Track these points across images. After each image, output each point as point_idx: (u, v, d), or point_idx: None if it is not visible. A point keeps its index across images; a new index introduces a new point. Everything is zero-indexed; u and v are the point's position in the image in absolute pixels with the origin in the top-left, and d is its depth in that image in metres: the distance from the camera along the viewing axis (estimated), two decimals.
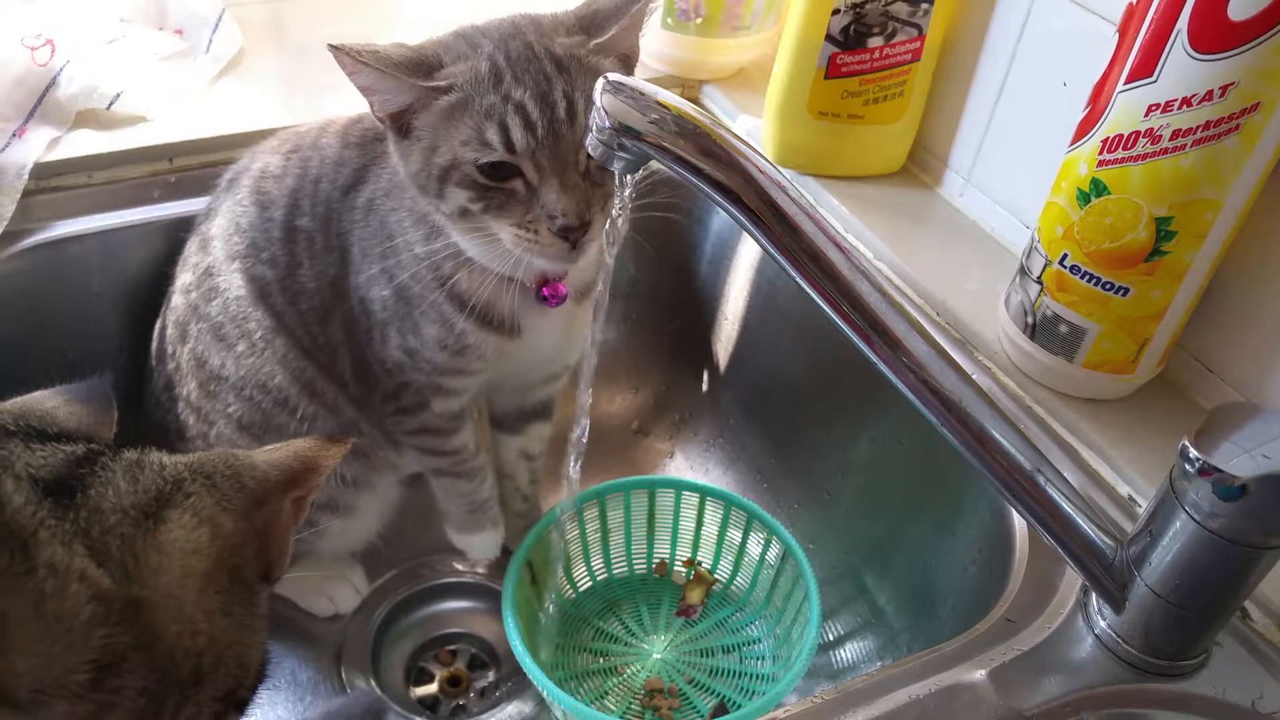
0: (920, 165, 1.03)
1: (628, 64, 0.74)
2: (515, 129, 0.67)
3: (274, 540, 0.50)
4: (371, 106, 0.71)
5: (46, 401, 0.53)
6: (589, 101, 0.67)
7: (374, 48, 0.67)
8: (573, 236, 0.69)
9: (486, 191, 0.69)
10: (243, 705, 0.49)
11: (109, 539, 0.42)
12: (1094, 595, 0.66)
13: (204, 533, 0.45)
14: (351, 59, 0.66)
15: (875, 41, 0.93)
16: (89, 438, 0.50)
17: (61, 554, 0.40)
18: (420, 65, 0.69)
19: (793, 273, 0.57)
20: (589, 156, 0.66)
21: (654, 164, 0.60)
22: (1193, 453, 0.55)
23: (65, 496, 0.43)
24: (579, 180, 0.69)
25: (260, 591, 0.49)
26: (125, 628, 0.41)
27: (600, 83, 0.58)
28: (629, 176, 0.65)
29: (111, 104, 0.97)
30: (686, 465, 1.13)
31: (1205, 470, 0.54)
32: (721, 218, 1.08)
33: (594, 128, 0.58)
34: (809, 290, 0.58)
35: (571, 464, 0.83)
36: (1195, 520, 0.57)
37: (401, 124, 0.71)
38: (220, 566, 0.46)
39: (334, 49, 0.66)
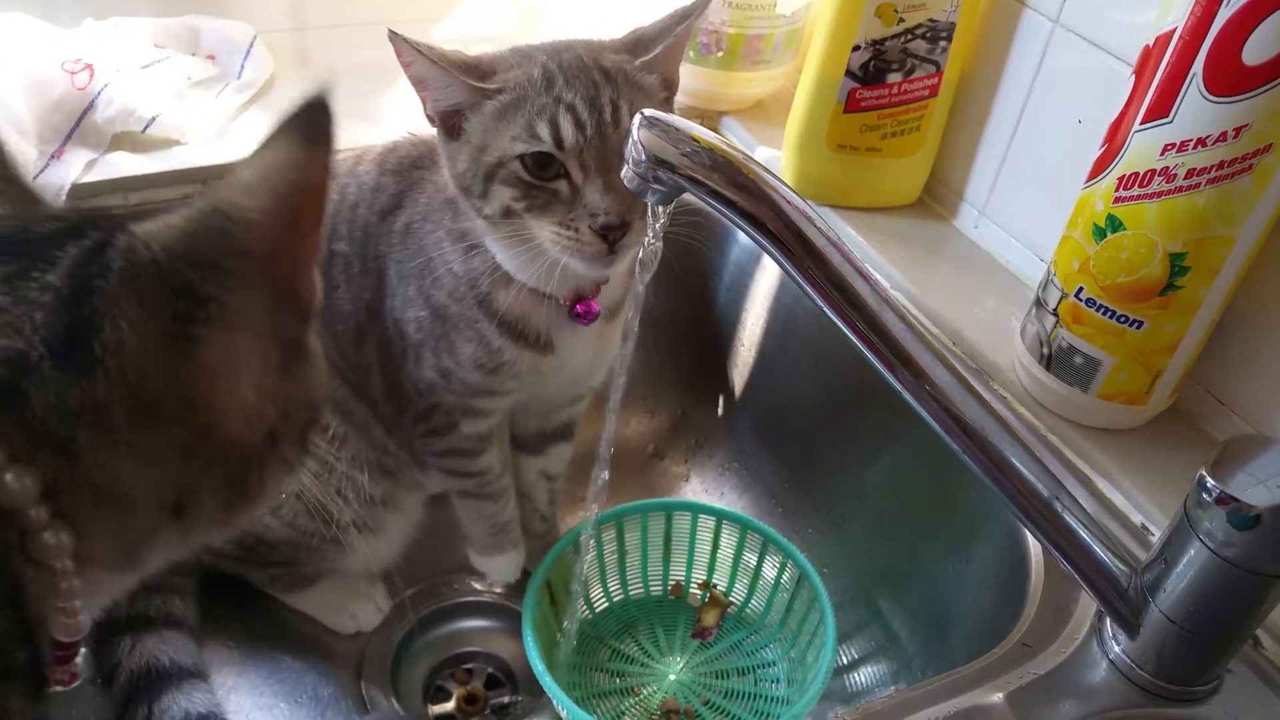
0: (936, 197, 1.05)
1: (668, 88, 0.77)
2: (565, 126, 0.69)
3: (300, 287, 0.45)
4: (424, 104, 0.73)
5: None
6: (633, 110, 0.70)
7: (430, 44, 0.70)
8: (612, 236, 0.70)
9: (531, 190, 0.71)
10: (318, 425, 0.50)
11: (148, 379, 0.39)
12: (1108, 621, 0.67)
13: (240, 336, 0.42)
14: (409, 48, 0.69)
15: (894, 77, 0.95)
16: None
17: (107, 455, 0.38)
18: (475, 69, 0.72)
19: (819, 301, 0.59)
20: None
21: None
22: (1210, 482, 0.57)
23: (82, 352, 0.38)
24: (620, 183, 0.70)
25: (305, 335, 0.47)
26: (196, 459, 0.41)
27: (637, 118, 0.60)
28: (663, 208, 0.67)
29: (147, 127, 0.99)
30: (702, 488, 1.15)
31: (1222, 499, 0.56)
32: (740, 246, 1.10)
33: (630, 160, 0.60)
34: (835, 319, 0.59)
35: (598, 476, 0.84)
36: (1209, 548, 0.58)
37: (451, 125, 0.73)
38: (265, 346, 0.43)
39: (393, 36, 0.68)
